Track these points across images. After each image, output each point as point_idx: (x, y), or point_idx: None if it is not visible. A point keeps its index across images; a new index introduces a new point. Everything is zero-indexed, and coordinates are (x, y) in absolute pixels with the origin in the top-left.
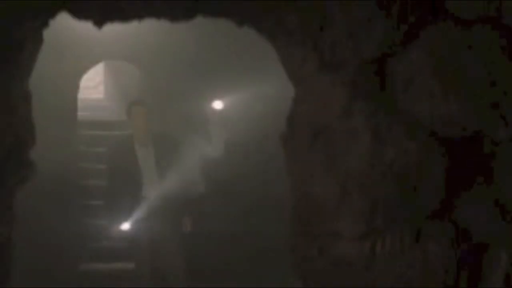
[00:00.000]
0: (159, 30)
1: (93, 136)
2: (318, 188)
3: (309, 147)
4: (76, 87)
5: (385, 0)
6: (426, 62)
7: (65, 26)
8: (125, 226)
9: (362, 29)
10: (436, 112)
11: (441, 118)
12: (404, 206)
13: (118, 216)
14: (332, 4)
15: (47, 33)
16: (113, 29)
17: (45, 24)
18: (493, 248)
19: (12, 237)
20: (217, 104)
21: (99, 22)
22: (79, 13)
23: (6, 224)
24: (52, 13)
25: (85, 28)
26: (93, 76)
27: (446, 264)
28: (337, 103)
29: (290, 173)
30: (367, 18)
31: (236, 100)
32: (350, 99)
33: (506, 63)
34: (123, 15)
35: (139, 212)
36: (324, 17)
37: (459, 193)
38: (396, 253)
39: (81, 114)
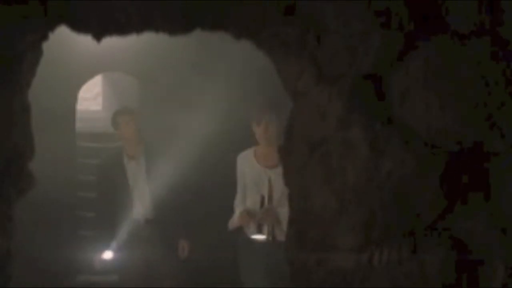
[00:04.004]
0: (157, 41)
1: (91, 148)
2: (316, 200)
3: (306, 160)
4: (74, 98)
5: (382, 13)
6: (423, 74)
7: (63, 37)
8: (108, 255)
9: (359, 42)
10: (433, 124)
11: (437, 130)
12: (401, 218)
13: (107, 242)
14: (329, 17)
15: (45, 45)
16: (111, 41)
17: (44, 37)
18: (490, 259)
19: (12, 249)
20: None
21: (98, 35)
22: (78, 26)
23: (6, 236)
24: (51, 26)
25: (83, 40)
26: (92, 87)
27: (443, 276)
28: (334, 115)
29: (288, 185)
30: (364, 31)
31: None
32: (347, 111)
33: (501, 76)
34: (122, 29)
35: (128, 237)
36: (321, 30)
37: (456, 204)
38: (393, 265)
39: (79, 125)
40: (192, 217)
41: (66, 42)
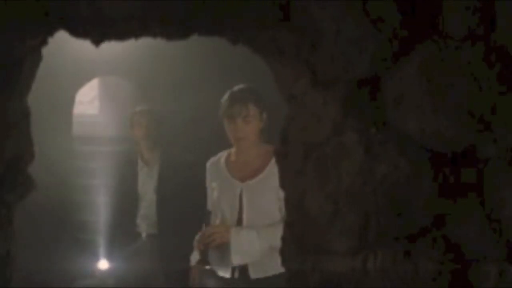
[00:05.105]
0: (153, 45)
1: (88, 152)
2: (311, 203)
3: (302, 163)
4: (71, 102)
5: (377, 18)
6: (417, 79)
7: (59, 41)
8: (103, 264)
9: (354, 47)
10: (427, 128)
11: (431, 134)
12: (396, 221)
13: (109, 252)
14: (325, 23)
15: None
16: (107, 45)
17: (44, 42)
18: (483, 262)
19: (11, 252)
20: None
21: (96, 41)
22: (77, 32)
23: (6, 239)
24: (51, 32)
25: (79, 44)
26: (88, 91)
27: (437, 278)
28: (329, 120)
29: (284, 188)
30: (358, 36)
31: None
32: (342, 116)
33: (495, 80)
34: (120, 34)
35: (127, 250)
36: (316, 36)
37: (449, 208)
38: (387, 268)
39: (76, 129)
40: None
41: (62, 46)
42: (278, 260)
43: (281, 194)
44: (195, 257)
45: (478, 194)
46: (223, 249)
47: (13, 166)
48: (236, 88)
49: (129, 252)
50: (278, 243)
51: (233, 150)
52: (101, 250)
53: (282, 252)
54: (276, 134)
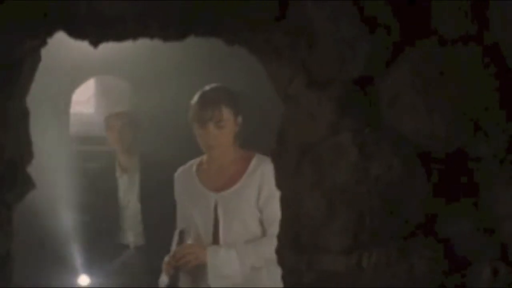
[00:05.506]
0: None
1: (84, 152)
2: (306, 202)
3: (297, 163)
4: (68, 102)
5: (371, 19)
6: (411, 80)
7: (56, 41)
8: (84, 280)
9: (349, 48)
10: (420, 128)
11: (425, 134)
12: (390, 221)
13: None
14: (320, 24)
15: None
16: (104, 45)
17: (43, 43)
18: (476, 262)
19: (11, 252)
20: None
21: (95, 42)
22: (76, 33)
23: (6, 238)
24: (50, 32)
25: (76, 43)
26: (84, 90)
27: (430, 277)
28: (324, 120)
29: (279, 187)
30: (353, 37)
31: None
32: (337, 116)
33: (488, 81)
34: (118, 35)
35: (112, 264)
36: (312, 37)
37: (443, 207)
38: (382, 266)
39: (72, 129)
40: None
41: (58, 46)
42: (261, 281)
43: (261, 204)
44: (163, 281)
45: (471, 194)
46: (198, 272)
47: (13, 166)
48: (207, 88)
49: (116, 265)
50: (261, 262)
51: (205, 157)
52: (80, 263)
53: (278, 251)
54: (253, 135)
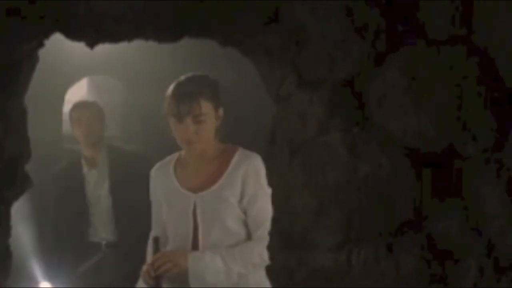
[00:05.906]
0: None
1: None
2: (296, 201)
3: (288, 162)
4: (61, 101)
5: (360, 22)
6: (399, 80)
7: (49, 41)
8: (44, 285)
9: (339, 50)
10: (409, 127)
11: (413, 133)
12: (378, 218)
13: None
14: (311, 26)
15: None
16: (98, 45)
17: (41, 44)
18: (463, 258)
19: (10, 250)
20: None
21: (91, 44)
22: (72, 35)
23: (5, 234)
24: (47, 34)
25: (69, 44)
26: (77, 90)
27: (418, 274)
28: (314, 120)
29: (271, 186)
30: (343, 39)
31: None
32: (327, 116)
33: (475, 81)
34: (114, 37)
35: (82, 264)
36: (302, 39)
37: (431, 205)
38: (370, 263)
39: (66, 127)
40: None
41: (52, 46)
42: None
43: (245, 204)
44: None
45: (459, 192)
46: (179, 281)
47: (12, 165)
48: (183, 78)
49: (88, 267)
50: (248, 268)
51: (183, 152)
52: (40, 268)
53: (269, 247)
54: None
